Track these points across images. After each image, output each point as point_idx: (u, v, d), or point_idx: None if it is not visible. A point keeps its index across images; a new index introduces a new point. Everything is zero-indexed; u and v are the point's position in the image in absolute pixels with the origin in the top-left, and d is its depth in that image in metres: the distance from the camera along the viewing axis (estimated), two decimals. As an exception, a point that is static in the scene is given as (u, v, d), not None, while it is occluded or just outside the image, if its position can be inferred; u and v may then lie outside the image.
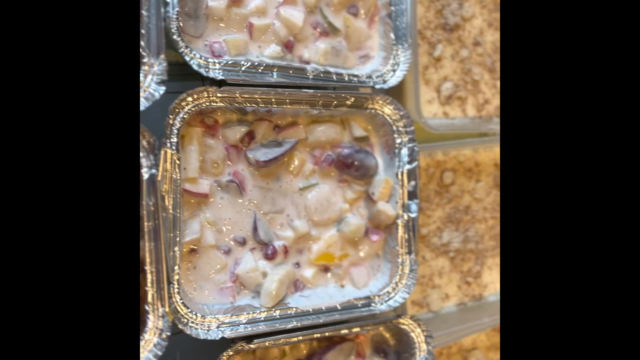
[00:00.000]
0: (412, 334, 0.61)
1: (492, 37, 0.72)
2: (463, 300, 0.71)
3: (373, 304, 0.59)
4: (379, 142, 0.62)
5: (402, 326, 0.61)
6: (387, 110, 0.60)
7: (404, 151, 0.61)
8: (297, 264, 0.58)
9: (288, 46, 0.57)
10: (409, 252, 0.61)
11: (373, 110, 0.60)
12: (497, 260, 0.73)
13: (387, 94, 0.62)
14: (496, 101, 0.72)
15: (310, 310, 0.56)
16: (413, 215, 0.60)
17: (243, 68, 0.52)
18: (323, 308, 0.57)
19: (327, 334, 0.57)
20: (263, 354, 0.58)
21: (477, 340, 0.72)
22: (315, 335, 0.56)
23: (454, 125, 0.68)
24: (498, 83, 0.72)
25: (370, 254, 0.62)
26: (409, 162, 0.61)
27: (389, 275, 0.61)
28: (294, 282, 0.58)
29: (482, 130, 0.69)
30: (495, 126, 0.70)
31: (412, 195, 0.61)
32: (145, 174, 0.49)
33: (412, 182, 0.61)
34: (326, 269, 0.60)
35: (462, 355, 0.71)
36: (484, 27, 0.71)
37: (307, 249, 0.59)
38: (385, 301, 0.60)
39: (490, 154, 0.73)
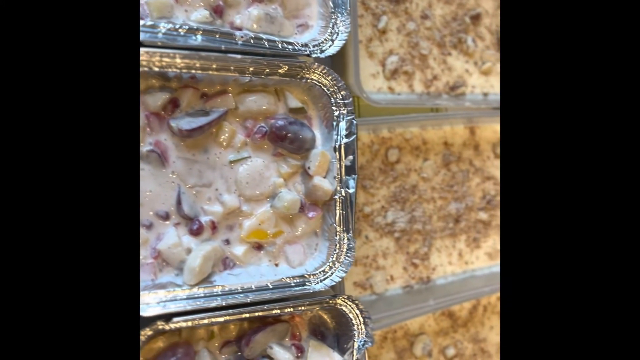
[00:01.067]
0: (350, 315, 0.59)
1: (442, 11, 0.69)
2: (409, 283, 0.69)
3: (308, 283, 0.56)
4: (317, 114, 0.59)
5: (340, 307, 0.58)
6: (325, 81, 0.58)
7: (342, 124, 0.58)
8: (227, 241, 0.55)
9: (217, 11, 0.54)
10: (347, 230, 0.58)
11: (310, 81, 0.57)
12: (446, 242, 0.71)
13: (328, 65, 0.59)
14: (446, 77, 0.69)
15: (239, 288, 0.53)
16: (351, 191, 0.58)
17: (163, 30, 0.49)
18: (253, 287, 0.54)
19: (258, 314, 0.55)
20: (189, 335, 0.55)
21: (424, 325, 0.70)
22: (244, 316, 0.53)
23: (400, 101, 0.66)
24: (448, 59, 0.70)
25: (307, 232, 0.59)
26: (347, 136, 0.58)
27: (327, 254, 0.59)
28: (222, 259, 0.55)
29: (428, 105, 0.67)
30: (444, 102, 0.68)
31: (350, 170, 0.58)
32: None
33: (350, 157, 0.58)
34: (259, 247, 0.57)
35: (409, 340, 0.68)
36: (432, 0, 0.69)
37: (237, 225, 0.56)
38: (321, 280, 0.57)
39: (439, 132, 0.71)
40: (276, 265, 0.58)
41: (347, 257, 0.58)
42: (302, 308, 0.57)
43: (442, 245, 0.71)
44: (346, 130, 0.58)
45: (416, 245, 0.69)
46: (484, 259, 0.74)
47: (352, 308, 0.59)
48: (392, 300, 0.66)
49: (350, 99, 0.58)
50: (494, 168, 0.75)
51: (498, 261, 0.76)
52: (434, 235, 0.70)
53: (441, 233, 0.70)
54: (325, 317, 0.60)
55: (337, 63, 0.63)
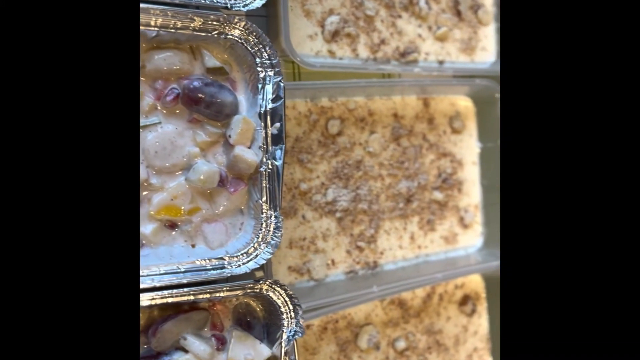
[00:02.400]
0: (279, 302, 0.52)
1: (391, -31, 0.63)
2: (354, 268, 0.62)
3: (227, 266, 0.50)
4: (242, 77, 0.53)
5: (267, 293, 0.52)
6: (250, 38, 0.51)
7: (268, 88, 0.51)
8: (133, 218, 0.49)
9: (120, -46, 0.47)
10: (274, 207, 0.52)
11: (231, 38, 0.51)
12: (396, 223, 0.65)
13: (262, 25, 0.53)
14: (395, 42, 0.63)
15: (143, 272, 0.47)
16: (278, 162, 0.51)
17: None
18: (161, 270, 0.48)
19: (168, 300, 0.48)
20: (88, 324, 0.48)
21: (371, 314, 0.63)
22: (151, 302, 0.47)
23: (341, 65, 0.59)
24: (398, 21, 0.63)
25: (230, 209, 0.53)
26: (274, 101, 0.51)
27: (252, 233, 0.52)
28: (126, 238, 0.48)
29: (373, 71, 0.60)
30: (391, 68, 0.62)
31: (277, 139, 0.52)
32: None
33: (277, 124, 0.51)
34: (172, 226, 0.51)
35: (352, 331, 0.62)
36: (380, -44, 0.62)
37: (146, 200, 0.49)
38: (243, 263, 0.51)
39: (388, 102, 0.64)
40: (192, 246, 0.52)
41: (274, 238, 0.52)
42: (221, 294, 0.50)
43: (391, 227, 0.64)
44: (273, 94, 0.51)
45: (361, 227, 0.62)
46: (439, 242, 0.68)
47: (281, 294, 0.53)
48: (334, 287, 0.60)
49: (277, 58, 0.51)
50: (451, 144, 0.69)
51: (456, 245, 0.69)
52: (382, 216, 0.64)
53: (390, 214, 0.64)
54: (254, 305, 0.54)
55: (272, 23, 0.57)
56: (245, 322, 0.54)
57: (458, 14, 0.68)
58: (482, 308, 0.72)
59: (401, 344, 0.65)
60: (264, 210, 0.51)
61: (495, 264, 0.67)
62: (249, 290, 0.51)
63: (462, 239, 0.70)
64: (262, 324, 0.55)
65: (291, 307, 0.53)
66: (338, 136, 0.61)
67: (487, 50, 0.71)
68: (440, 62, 0.66)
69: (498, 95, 0.67)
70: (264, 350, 0.53)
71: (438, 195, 0.67)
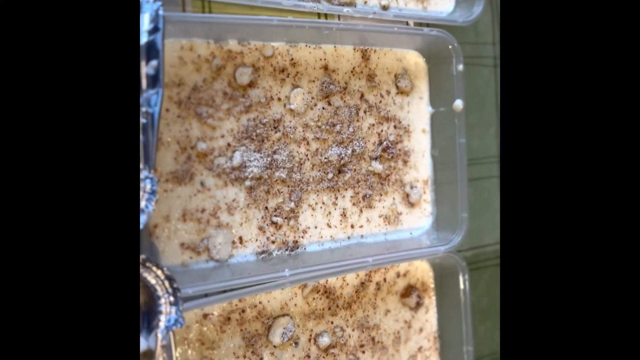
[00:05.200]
0: (156, 284, 0.43)
1: None
2: (268, 248, 0.52)
3: (84, 238, 0.40)
4: (116, 5, 0.43)
5: (142, 273, 0.42)
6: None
7: (145, 17, 0.41)
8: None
9: None
10: (148, 166, 0.42)
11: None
12: (324, 197, 0.54)
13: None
14: (327, -20, 0.52)
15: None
16: (153, 110, 0.41)
17: None
18: None
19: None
20: None
21: (289, 304, 0.53)
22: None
23: None
24: (331, -44, 0.53)
25: (97, 168, 0.42)
26: (151, 32, 0.41)
27: (123, 199, 0.42)
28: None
29: (288, 7, 0.50)
30: (314, 6, 0.51)
31: (153, 81, 0.41)
32: None
33: (154, 62, 0.41)
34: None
35: (263, 322, 0.52)
36: None
37: None
38: (107, 235, 0.41)
39: (317, 51, 0.54)
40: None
41: (147, 205, 0.42)
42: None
43: (317, 202, 0.54)
44: (150, 23, 0.41)
45: (278, 199, 0.52)
46: (377, 222, 0.58)
47: (158, 275, 0.43)
48: (241, 269, 0.50)
49: (155, -21, 0.41)
50: (396, 107, 0.58)
51: (398, 227, 0.59)
52: (306, 188, 0.53)
53: (316, 185, 0.54)
54: (129, 288, 0.44)
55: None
56: (117, 307, 0.44)
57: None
58: (430, 301, 0.62)
59: (325, 340, 0.55)
60: (140, 170, 0.41)
61: (444, 248, 0.57)
62: (115, 269, 0.42)
63: (406, 219, 0.60)
64: (144, 311, 0.45)
65: (170, 292, 0.43)
66: (250, 88, 0.50)
67: (443, -2, 0.60)
68: (384, 7, 0.56)
69: (453, 49, 0.56)
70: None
71: (377, 167, 0.57)
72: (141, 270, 0.42)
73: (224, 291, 0.47)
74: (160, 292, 0.43)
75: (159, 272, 0.43)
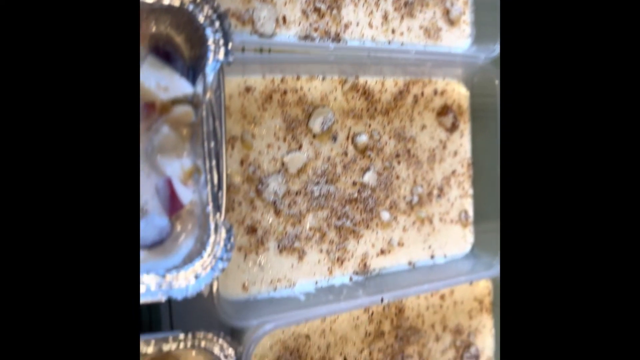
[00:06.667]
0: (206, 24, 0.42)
1: None
2: (309, 33, 0.51)
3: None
4: None
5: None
6: None
7: None
8: None
9: None
10: None
11: None
12: None
13: None
14: None
15: None
16: None
17: None
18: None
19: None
20: None
21: (329, 96, 0.53)
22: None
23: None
24: None
25: None
26: None
27: None
28: None
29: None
30: None
31: None
32: None
33: None
34: None
35: (304, 109, 0.51)
36: None
37: None
38: (159, -41, 0.40)
39: None
40: None
41: None
42: None
43: (359, -2, 0.54)
44: None
45: (321, -15, 0.52)
46: (418, 33, 0.57)
47: (207, 15, 0.42)
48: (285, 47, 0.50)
49: None
50: None
51: (438, 42, 0.59)
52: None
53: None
54: (174, 33, 0.44)
55: None
56: (164, 52, 0.44)
57: None
58: (465, 127, 0.62)
59: (363, 139, 0.54)
60: None
61: (484, 56, 0.56)
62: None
63: (446, 36, 0.59)
64: (186, 64, 0.45)
65: (220, 31, 0.42)
66: None
67: None
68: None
69: None
70: (183, 84, 0.43)
71: (420, -26, 0.56)
72: (191, 7, 0.42)
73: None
74: (209, 30, 0.42)
75: (210, 12, 0.42)
